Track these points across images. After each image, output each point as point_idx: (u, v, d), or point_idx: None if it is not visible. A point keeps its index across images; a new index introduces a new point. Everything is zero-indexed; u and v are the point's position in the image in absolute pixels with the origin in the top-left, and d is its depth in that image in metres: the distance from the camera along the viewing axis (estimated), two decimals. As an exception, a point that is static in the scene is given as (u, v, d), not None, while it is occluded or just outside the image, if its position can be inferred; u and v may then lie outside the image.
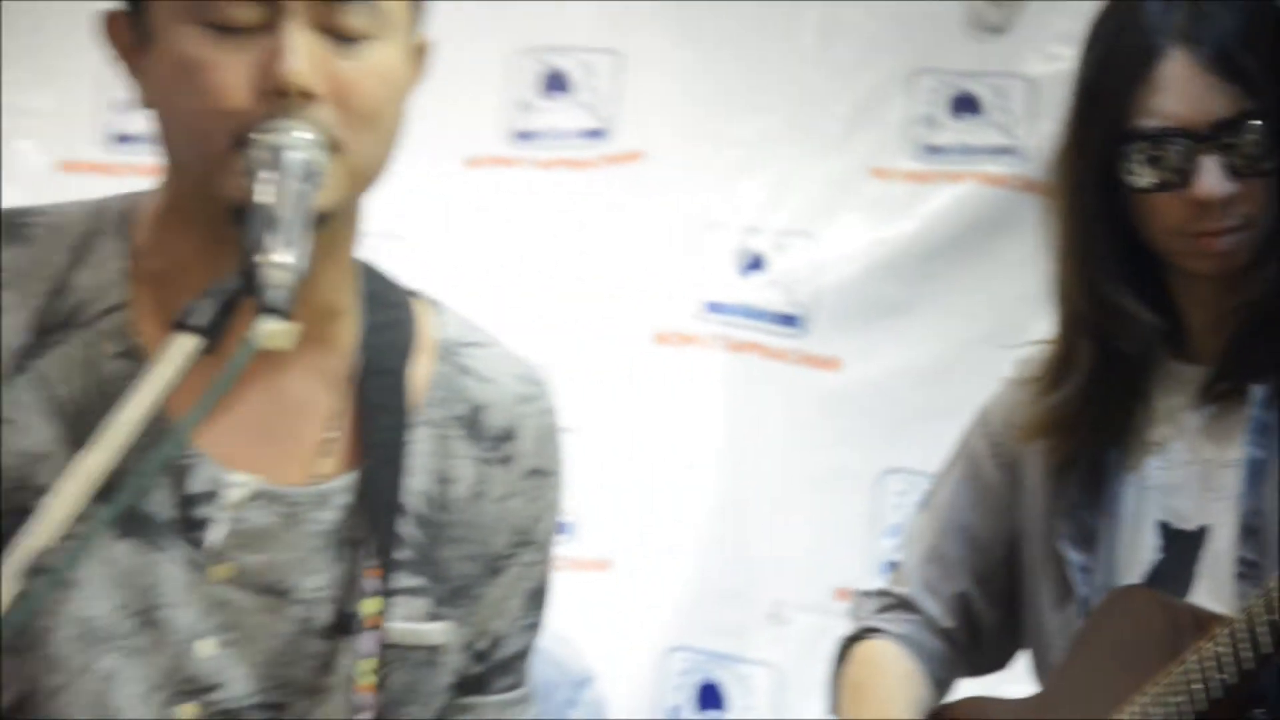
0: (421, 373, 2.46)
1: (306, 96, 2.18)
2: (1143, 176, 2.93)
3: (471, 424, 2.48)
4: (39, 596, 2.00)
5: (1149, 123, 2.93)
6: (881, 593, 3.25)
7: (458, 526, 2.47)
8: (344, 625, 2.38)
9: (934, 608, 3.20)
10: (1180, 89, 2.94)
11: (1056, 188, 3.10)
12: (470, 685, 2.50)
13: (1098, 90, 3.04)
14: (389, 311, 2.47)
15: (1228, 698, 2.78)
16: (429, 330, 2.49)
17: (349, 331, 2.36)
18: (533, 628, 2.57)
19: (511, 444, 2.48)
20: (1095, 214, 3.08)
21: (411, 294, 2.52)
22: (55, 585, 2.18)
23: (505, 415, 2.48)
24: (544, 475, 2.51)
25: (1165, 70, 2.93)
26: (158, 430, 2.05)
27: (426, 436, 2.45)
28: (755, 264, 4.66)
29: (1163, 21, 2.97)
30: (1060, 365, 3.11)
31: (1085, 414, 3.07)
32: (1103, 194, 3.05)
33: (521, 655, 2.55)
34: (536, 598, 2.54)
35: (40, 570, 1.92)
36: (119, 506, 2.06)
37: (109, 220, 2.40)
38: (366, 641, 2.37)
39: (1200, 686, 2.80)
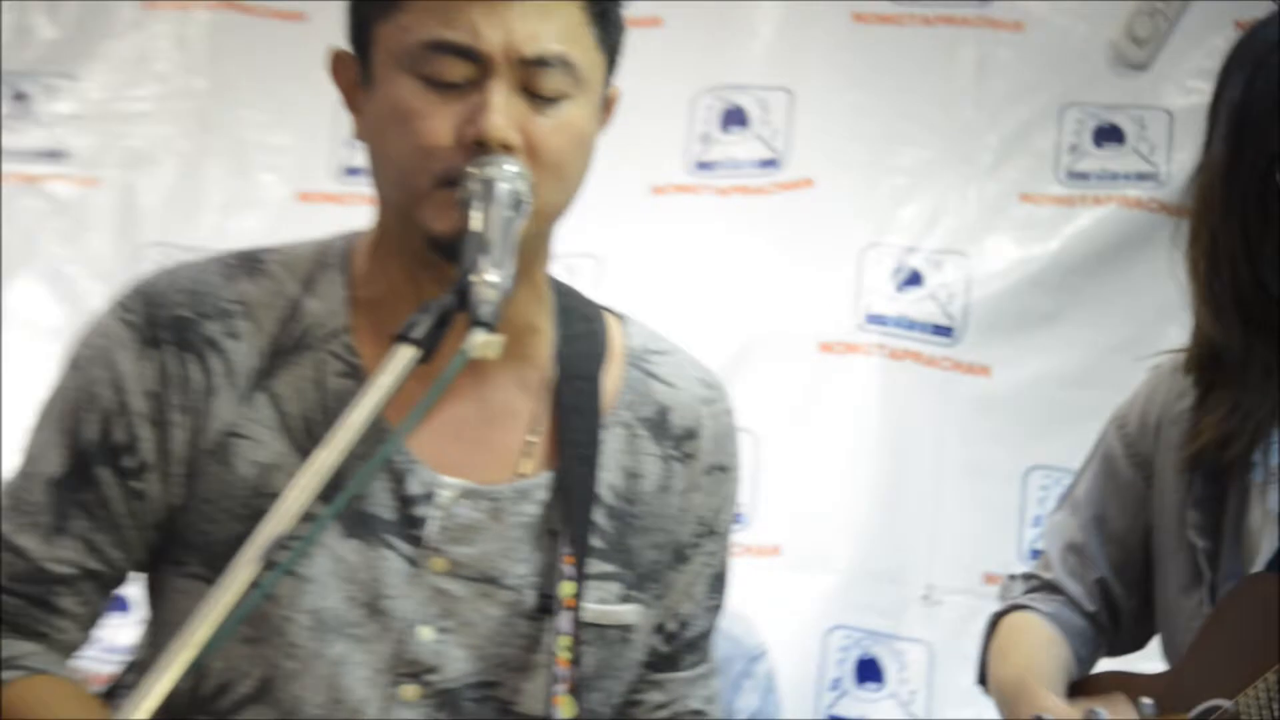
0: (612, 379, 2.59)
1: (505, 149, 2.34)
2: None
3: (658, 425, 2.60)
4: (269, 585, 2.19)
5: None
6: (1028, 576, 3.31)
7: (645, 518, 2.58)
8: (546, 607, 2.49)
9: (1077, 591, 3.25)
10: None
11: (1205, 207, 3.13)
12: (661, 663, 2.63)
13: (1248, 112, 3.07)
14: (581, 324, 2.60)
15: None
16: (618, 340, 2.62)
17: (544, 344, 2.50)
18: (715, 609, 2.68)
19: (693, 442, 2.61)
20: (1258, 227, 3.08)
21: (602, 308, 2.65)
22: (283, 576, 2.30)
23: (688, 416, 2.61)
24: (723, 470, 2.64)
25: None
26: (376, 434, 2.20)
27: (617, 436, 2.58)
28: (912, 279, 4.74)
29: None
30: (1197, 359, 3.11)
31: (1220, 400, 3.12)
32: (1259, 209, 3.07)
33: (706, 635, 2.68)
34: (718, 582, 2.67)
35: (271, 563, 2.04)
36: (341, 504, 2.31)
37: (332, 255, 2.56)
38: (564, 621, 2.48)
39: None
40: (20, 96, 4.90)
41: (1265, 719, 2.86)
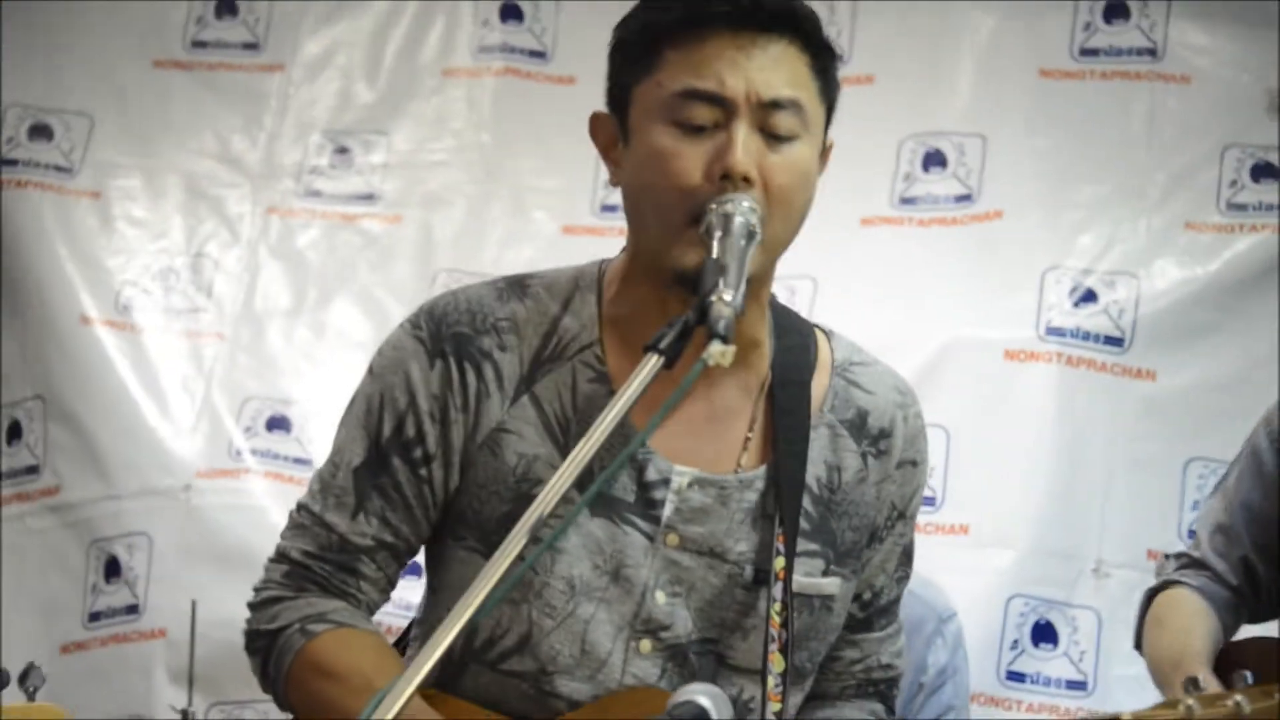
0: (819, 386, 2.77)
1: (747, 182, 2.53)
2: None
3: (858, 426, 2.78)
4: (535, 558, 2.54)
5: None
6: (1180, 555, 3.63)
7: (845, 505, 2.77)
8: (761, 579, 2.70)
9: (1222, 566, 3.53)
10: None
11: None
12: (857, 626, 2.82)
13: None
14: (795, 338, 2.77)
15: None
16: (825, 353, 2.79)
17: (764, 355, 2.71)
18: (904, 579, 2.87)
19: (888, 440, 2.79)
20: None
21: (813, 325, 2.84)
22: (546, 551, 2.58)
23: (884, 419, 2.79)
24: (913, 465, 2.83)
25: None
26: (623, 431, 2.38)
27: (822, 435, 2.75)
28: (1088, 297, 4.91)
29: None
30: None
31: None
32: None
33: (896, 600, 2.85)
34: (906, 557, 2.86)
35: (536, 539, 2.25)
36: (595, 490, 2.49)
37: (587, 280, 2.77)
38: (777, 590, 2.69)
39: None
40: (342, 150, 5.24)
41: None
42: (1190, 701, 2.48)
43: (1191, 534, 3.79)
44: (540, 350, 2.74)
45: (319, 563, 2.75)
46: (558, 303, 2.76)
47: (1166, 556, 3.72)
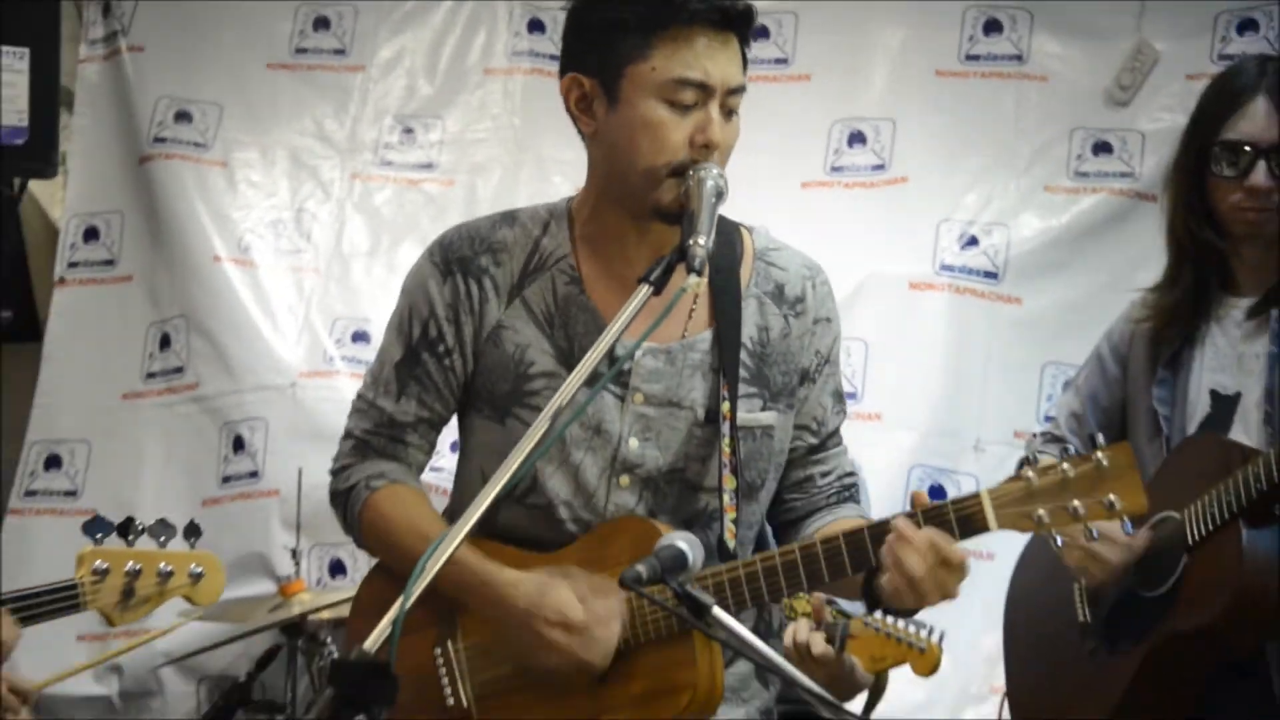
0: (746, 269, 2.77)
1: (714, 148, 2.58)
2: (1224, 169, 3.22)
3: (778, 295, 2.77)
4: (553, 440, 2.55)
5: (1232, 135, 3.22)
6: (1044, 433, 3.64)
7: (775, 355, 2.76)
8: (712, 418, 2.70)
9: (1075, 442, 3.49)
10: (1256, 119, 3.21)
11: (1171, 183, 3.38)
12: (816, 449, 2.81)
13: (1204, 116, 3.31)
14: (724, 236, 2.70)
15: (1259, 498, 3.05)
16: (749, 244, 2.79)
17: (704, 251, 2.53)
18: (840, 413, 2.84)
19: (802, 304, 2.77)
20: (1196, 191, 3.30)
21: (737, 224, 2.80)
22: (563, 429, 2.58)
23: (797, 288, 2.78)
24: (827, 321, 2.80)
25: (1250, 107, 3.22)
26: (598, 325, 2.53)
27: (752, 305, 2.75)
28: (971, 242, 4.91)
29: (1253, 79, 3.26)
30: (1169, 284, 3.37)
31: (1179, 311, 3.36)
32: (1199, 179, 3.29)
33: (838, 429, 2.83)
34: (839, 397, 2.84)
35: (556, 415, 2.30)
36: (596, 390, 2.62)
37: (559, 211, 2.78)
38: (725, 427, 2.69)
39: (1244, 489, 3.06)
40: (408, 130, 5.26)
41: (1201, 522, 3.15)
42: (1030, 474, 2.50)
43: (1049, 419, 3.80)
44: (526, 264, 2.75)
45: (375, 437, 2.82)
46: (539, 228, 2.77)
47: (1034, 435, 3.78)
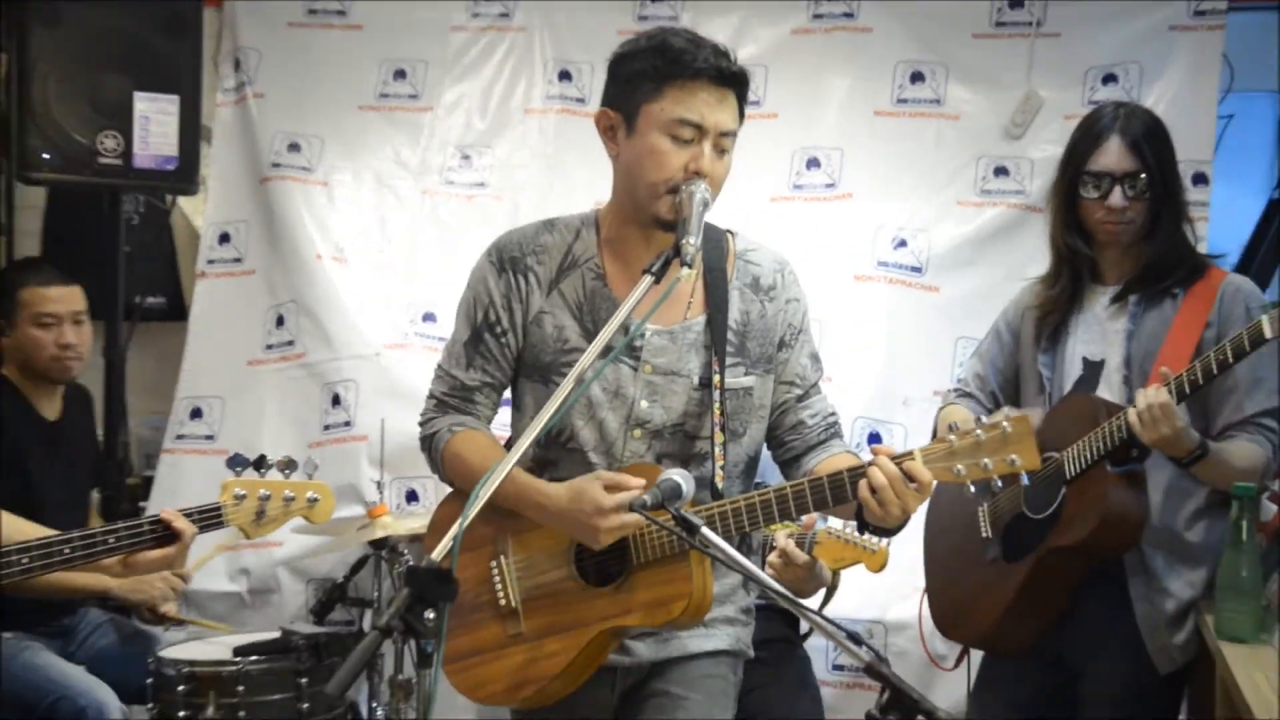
0: (730, 265, 2.77)
1: (703, 176, 2.59)
2: (1090, 192, 3.32)
3: (755, 286, 2.78)
4: (578, 395, 2.64)
5: (1095, 167, 3.30)
6: (956, 390, 3.67)
7: (753, 332, 2.76)
8: (705, 384, 2.71)
9: (980, 396, 3.59)
10: (1112, 154, 3.29)
11: (1051, 201, 3.47)
12: (802, 398, 2.81)
13: (1074, 151, 3.37)
14: (713, 241, 2.76)
15: (1120, 443, 3.13)
16: (731, 246, 2.80)
17: (700, 255, 2.55)
18: (818, 370, 2.85)
19: (774, 290, 2.79)
20: (1069, 208, 3.38)
21: (724, 230, 2.82)
22: (575, 384, 2.45)
23: (770, 279, 2.79)
24: (795, 300, 2.81)
25: (1106, 144, 3.29)
26: (627, 323, 2.46)
27: (735, 295, 2.75)
28: (902, 244, 4.81)
29: (1110, 121, 3.31)
30: (1052, 279, 3.45)
31: (1058, 298, 3.42)
32: (1071, 199, 3.37)
33: (817, 382, 2.82)
34: (815, 359, 2.85)
35: (580, 380, 2.39)
36: (611, 357, 2.66)
37: (588, 220, 2.79)
38: (716, 391, 2.70)
39: (1109, 437, 3.14)
40: (466, 157, 5.19)
41: (1076, 461, 3.20)
42: (951, 436, 2.55)
43: (960, 379, 3.77)
44: (562, 263, 2.76)
45: (451, 398, 2.84)
46: (572, 234, 2.78)
47: (949, 391, 3.77)
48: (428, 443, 2.84)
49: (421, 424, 2.87)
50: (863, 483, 2.51)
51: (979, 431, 2.51)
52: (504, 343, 2.77)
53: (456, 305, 2.86)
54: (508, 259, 2.77)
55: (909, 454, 2.52)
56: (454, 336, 2.84)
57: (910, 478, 2.49)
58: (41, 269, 4.24)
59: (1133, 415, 3.07)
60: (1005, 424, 2.50)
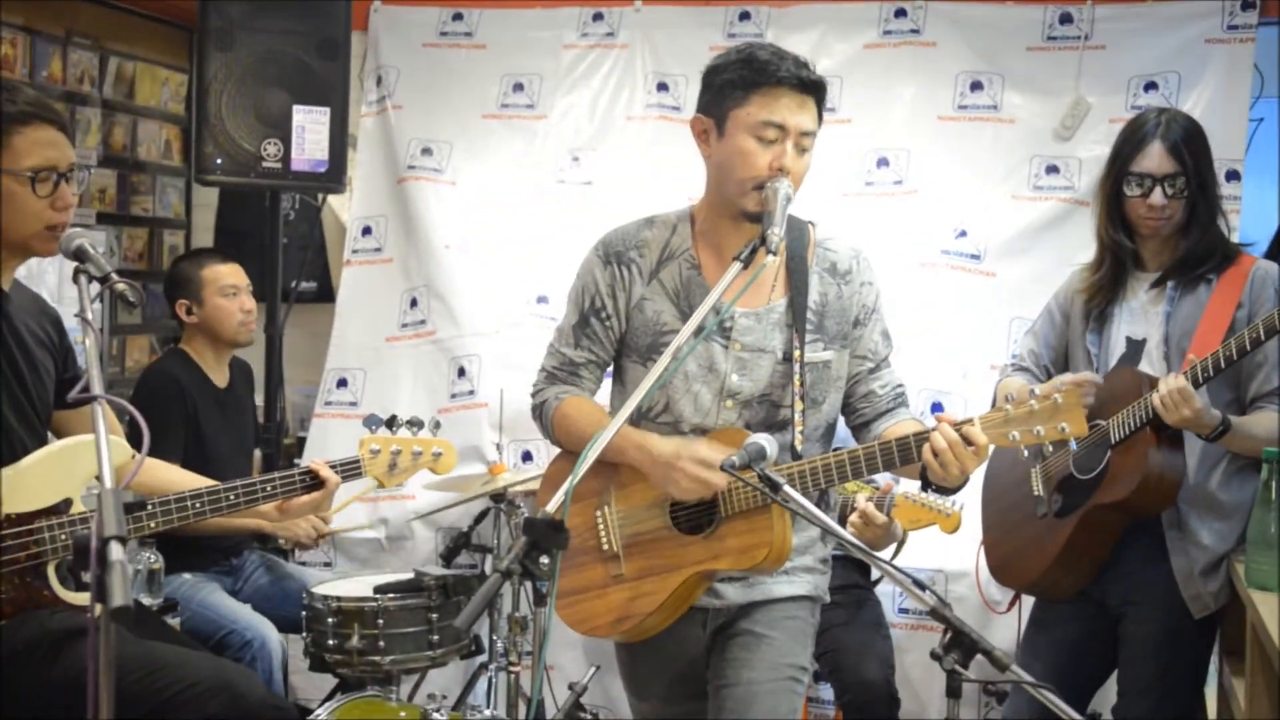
0: (810, 253, 2.77)
1: (786, 173, 2.60)
2: (1133, 190, 3.29)
3: (833, 271, 2.77)
4: (673, 371, 2.64)
5: (1138, 169, 3.28)
6: (1011, 364, 3.65)
7: (830, 312, 2.75)
8: (788, 358, 2.71)
9: (1034, 369, 3.56)
10: (1154, 157, 3.26)
11: (1097, 198, 3.45)
12: (874, 370, 2.80)
13: (1119, 153, 3.34)
14: (795, 231, 2.76)
15: (1158, 416, 3.09)
16: (811, 236, 2.80)
17: (783, 245, 2.53)
18: (889, 346, 2.84)
19: (850, 275, 2.78)
20: (1114, 204, 3.36)
21: (806, 222, 2.82)
22: (679, 364, 2.60)
23: (846, 265, 2.79)
24: (869, 284, 2.81)
25: (1149, 148, 3.26)
26: (717, 305, 2.42)
27: (815, 279, 2.74)
28: (962, 233, 4.73)
29: (1153, 127, 3.28)
30: (1097, 266, 3.42)
31: (1103, 284, 3.40)
32: (1116, 197, 3.35)
33: (888, 356, 2.83)
34: (886, 336, 2.84)
35: (675, 357, 2.39)
36: (705, 334, 2.66)
37: (683, 216, 2.79)
38: (797, 365, 2.70)
39: (1150, 407, 3.11)
40: (575, 159, 5.15)
41: (1120, 428, 3.18)
42: (1007, 405, 2.53)
43: (1015, 355, 3.73)
44: (661, 255, 2.76)
45: (560, 371, 2.85)
46: (669, 229, 2.78)
47: (1006, 366, 3.73)
48: (538, 410, 2.86)
49: (533, 394, 2.89)
50: (926, 446, 2.50)
51: (1033, 402, 2.49)
52: (608, 326, 2.78)
53: (567, 291, 2.86)
54: (613, 253, 2.77)
55: (968, 420, 2.52)
56: (564, 319, 2.85)
57: (968, 441, 2.48)
58: (212, 253, 4.37)
59: (1156, 400, 3.07)
60: (1057, 395, 2.48)
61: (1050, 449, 2.58)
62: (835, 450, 2.66)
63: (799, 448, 2.69)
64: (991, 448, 2.52)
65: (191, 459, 3.99)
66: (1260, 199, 4.90)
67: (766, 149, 2.59)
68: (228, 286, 4.24)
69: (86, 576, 1.88)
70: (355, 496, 4.38)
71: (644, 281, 2.74)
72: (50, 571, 2.73)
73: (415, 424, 3.29)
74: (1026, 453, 2.71)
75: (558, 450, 2.91)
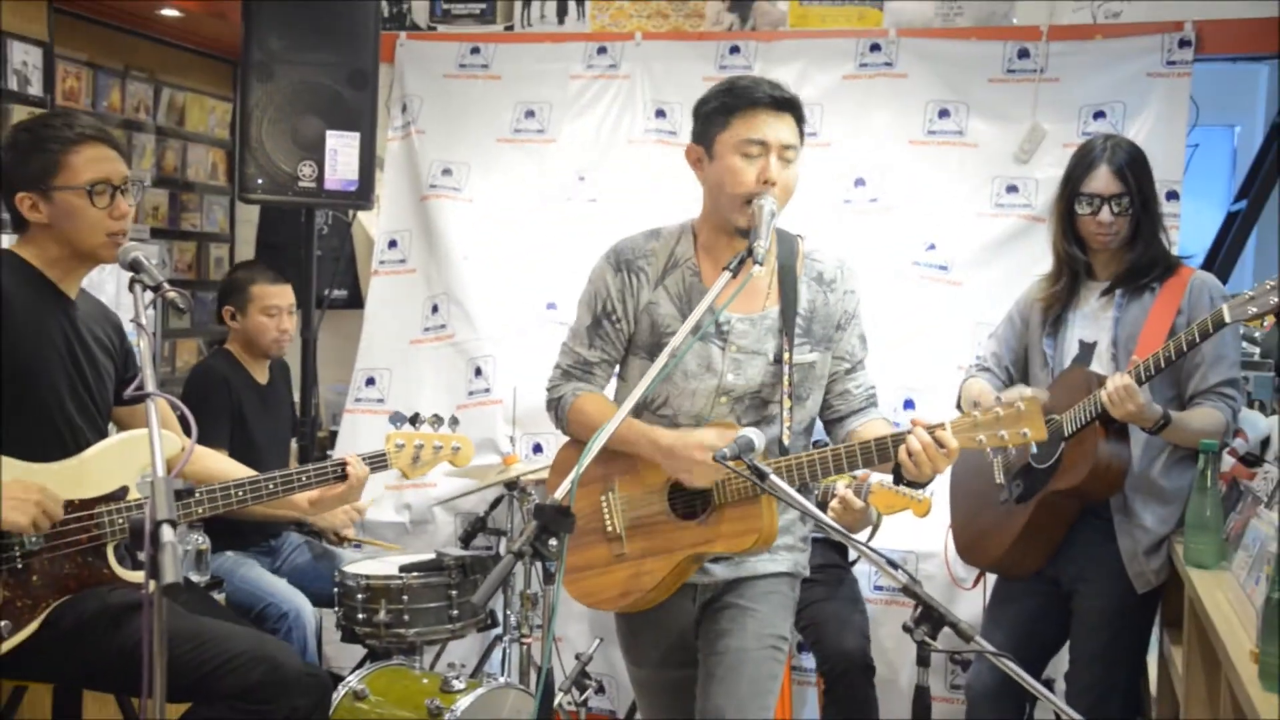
0: (799, 264, 2.74)
1: (771, 185, 2.57)
2: (1084, 209, 3.28)
3: (819, 280, 2.74)
4: (673, 365, 2.62)
5: (1088, 189, 3.26)
6: (975, 365, 3.63)
7: (817, 318, 2.72)
8: (778, 359, 2.68)
9: (996, 369, 3.56)
10: (1101, 179, 3.25)
11: (1052, 216, 3.43)
12: (850, 371, 2.77)
13: (1070, 176, 3.33)
14: (786, 245, 2.74)
15: (1103, 412, 3.09)
16: (800, 249, 2.76)
17: (771, 257, 2.63)
18: (865, 350, 2.81)
19: (835, 284, 2.76)
20: (1067, 221, 3.34)
21: (794, 235, 2.79)
22: (677, 361, 2.59)
23: (831, 274, 2.76)
24: (851, 292, 2.78)
25: (1097, 171, 3.25)
26: (710, 308, 2.43)
27: (804, 288, 2.72)
28: (931, 247, 4.71)
29: (1100, 152, 3.27)
30: (1055, 278, 3.40)
31: (1060, 293, 3.38)
32: (1069, 214, 3.33)
33: (863, 360, 2.77)
34: (862, 340, 2.81)
35: (673, 355, 2.38)
36: (699, 334, 2.62)
37: (686, 229, 2.75)
38: (786, 366, 2.67)
39: (1098, 403, 3.11)
40: (581, 178, 5.11)
41: (1073, 422, 3.17)
42: (975, 412, 2.54)
43: (979, 357, 3.72)
44: (666, 264, 2.73)
45: (574, 369, 2.82)
46: (674, 239, 2.74)
47: (970, 365, 3.72)
48: (554, 404, 2.83)
49: (548, 389, 2.86)
50: (901, 447, 2.49)
51: (998, 409, 2.50)
52: (619, 328, 2.75)
53: (578, 296, 2.83)
54: (623, 261, 2.75)
55: (940, 425, 2.51)
56: (577, 321, 2.82)
57: (940, 444, 2.47)
58: (266, 270, 4.34)
59: (1104, 396, 3.06)
60: (1020, 403, 2.48)
61: (1013, 451, 2.57)
62: (818, 446, 2.66)
63: (786, 442, 2.67)
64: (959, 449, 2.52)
65: (236, 449, 4.01)
66: (1197, 216, 4.96)
67: (752, 164, 2.57)
68: (271, 306, 4.24)
69: (141, 556, 1.92)
70: (387, 488, 4.39)
71: (651, 287, 2.71)
72: (109, 552, 2.76)
73: (436, 421, 3.30)
74: (991, 452, 2.69)
75: (566, 441, 2.88)
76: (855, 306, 2.79)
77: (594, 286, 2.77)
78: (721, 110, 2.61)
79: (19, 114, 4.17)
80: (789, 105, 2.61)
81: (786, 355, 2.66)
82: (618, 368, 2.85)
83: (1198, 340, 2.99)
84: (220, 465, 3.13)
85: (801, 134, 2.64)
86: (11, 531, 2.58)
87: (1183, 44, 4.52)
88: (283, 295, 4.28)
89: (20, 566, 2.63)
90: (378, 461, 3.12)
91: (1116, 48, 4.62)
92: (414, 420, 3.21)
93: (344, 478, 3.06)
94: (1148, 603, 3.31)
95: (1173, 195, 4.39)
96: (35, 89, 4.39)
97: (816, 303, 2.72)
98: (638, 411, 2.69)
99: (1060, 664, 3.52)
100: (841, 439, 2.75)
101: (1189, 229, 4.65)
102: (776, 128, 2.58)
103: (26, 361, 2.69)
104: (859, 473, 3.69)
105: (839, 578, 4.06)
